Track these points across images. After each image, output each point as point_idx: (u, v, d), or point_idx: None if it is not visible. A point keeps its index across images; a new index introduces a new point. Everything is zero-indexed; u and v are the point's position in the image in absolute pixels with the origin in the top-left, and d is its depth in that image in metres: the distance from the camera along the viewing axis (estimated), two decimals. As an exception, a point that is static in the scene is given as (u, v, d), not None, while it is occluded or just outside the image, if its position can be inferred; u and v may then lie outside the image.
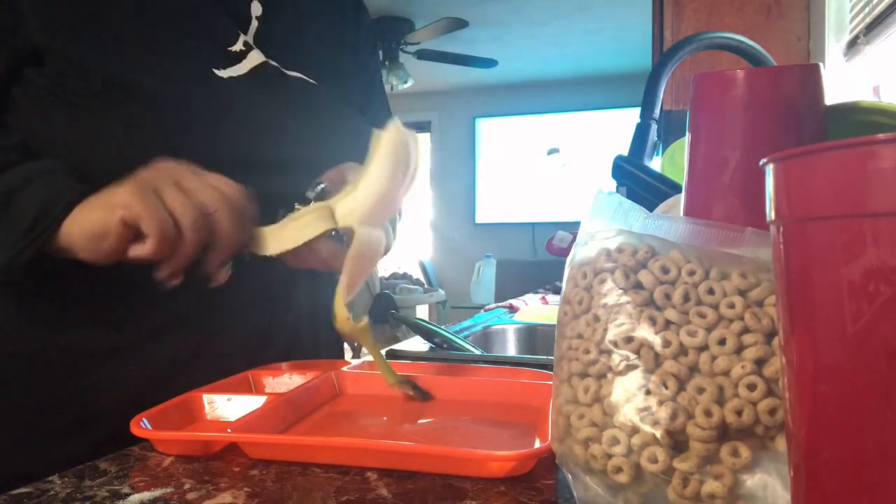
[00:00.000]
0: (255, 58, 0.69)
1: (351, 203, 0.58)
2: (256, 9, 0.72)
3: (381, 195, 0.57)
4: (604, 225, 0.39)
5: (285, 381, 0.67)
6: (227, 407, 0.58)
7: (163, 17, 0.65)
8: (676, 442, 0.33)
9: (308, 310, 0.79)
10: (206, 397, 0.59)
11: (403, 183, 0.59)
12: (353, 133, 0.78)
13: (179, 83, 0.63)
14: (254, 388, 0.67)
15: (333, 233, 0.60)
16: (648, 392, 0.34)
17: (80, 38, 0.61)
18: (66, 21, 0.61)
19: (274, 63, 0.70)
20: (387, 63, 4.33)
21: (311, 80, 0.74)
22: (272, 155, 0.69)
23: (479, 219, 5.73)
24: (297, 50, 0.75)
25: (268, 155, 0.68)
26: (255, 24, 0.72)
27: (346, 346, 0.99)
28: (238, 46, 0.68)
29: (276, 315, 0.76)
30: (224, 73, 0.66)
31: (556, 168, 5.49)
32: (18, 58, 0.61)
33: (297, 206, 0.62)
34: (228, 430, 0.48)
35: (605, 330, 0.36)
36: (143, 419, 0.51)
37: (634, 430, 0.34)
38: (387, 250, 0.66)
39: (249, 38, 0.70)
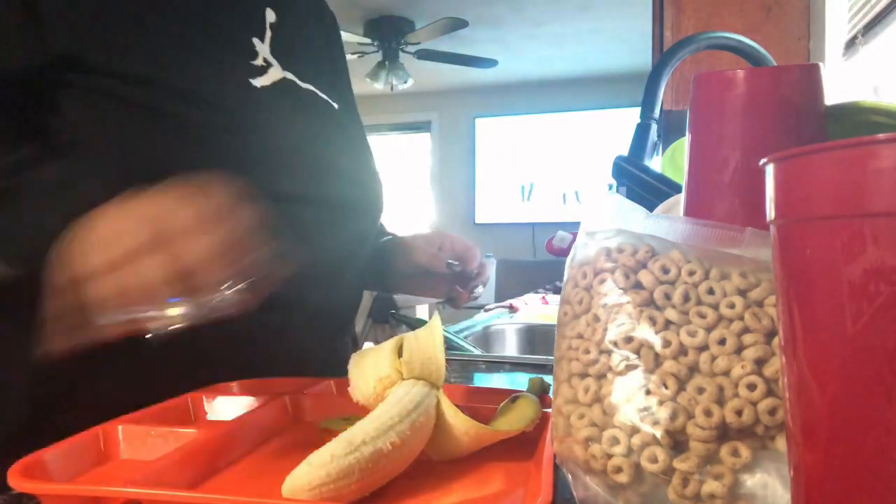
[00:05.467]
0: (275, 74, 0.69)
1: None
2: (270, 16, 0.72)
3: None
4: (604, 225, 0.39)
5: (233, 405, 0.54)
6: (151, 442, 0.47)
7: (195, 27, 0.64)
8: (676, 442, 0.33)
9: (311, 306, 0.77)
10: (123, 429, 0.47)
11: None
12: (358, 145, 0.80)
13: (226, 92, 0.63)
14: (192, 416, 0.53)
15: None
16: (648, 392, 0.34)
17: (115, 48, 0.59)
18: (97, 30, 0.59)
19: (291, 77, 0.71)
20: (387, 63, 4.32)
21: (320, 93, 0.74)
22: (307, 166, 0.69)
23: (479, 219, 5.72)
24: (305, 58, 0.75)
25: (304, 165, 0.69)
26: (269, 32, 0.72)
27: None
28: (259, 61, 0.68)
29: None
30: (257, 83, 0.66)
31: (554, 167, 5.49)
32: (39, 62, 0.58)
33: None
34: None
35: (605, 330, 0.36)
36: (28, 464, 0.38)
37: (634, 430, 0.34)
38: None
39: (266, 47, 0.71)
